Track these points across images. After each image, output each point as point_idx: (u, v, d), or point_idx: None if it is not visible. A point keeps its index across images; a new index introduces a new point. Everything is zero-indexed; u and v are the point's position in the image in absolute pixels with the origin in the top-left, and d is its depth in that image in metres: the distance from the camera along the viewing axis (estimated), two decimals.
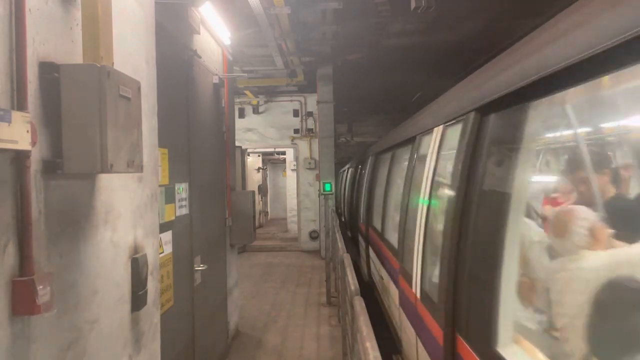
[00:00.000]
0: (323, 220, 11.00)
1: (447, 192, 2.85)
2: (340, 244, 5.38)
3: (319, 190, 11.23)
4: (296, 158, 13.45)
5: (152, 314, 2.62)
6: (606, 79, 1.59)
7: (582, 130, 2.02)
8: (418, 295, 3.41)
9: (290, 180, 15.65)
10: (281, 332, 6.30)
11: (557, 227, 2.04)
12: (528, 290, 2.15)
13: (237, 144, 7.13)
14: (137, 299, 2.35)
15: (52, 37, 1.74)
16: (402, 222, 4.29)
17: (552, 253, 2.05)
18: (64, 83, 1.72)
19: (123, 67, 2.06)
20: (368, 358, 1.88)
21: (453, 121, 3.01)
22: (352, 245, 10.61)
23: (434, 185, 3.32)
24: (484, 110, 2.46)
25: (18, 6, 1.54)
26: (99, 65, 1.76)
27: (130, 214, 2.34)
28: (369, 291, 6.76)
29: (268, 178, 22.18)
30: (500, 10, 7.10)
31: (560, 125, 2.12)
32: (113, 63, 1.92)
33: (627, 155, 1.92)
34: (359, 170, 11.69)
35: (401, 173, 5.14)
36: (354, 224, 11.03)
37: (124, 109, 1.89)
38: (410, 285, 3.69)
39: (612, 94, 1.77)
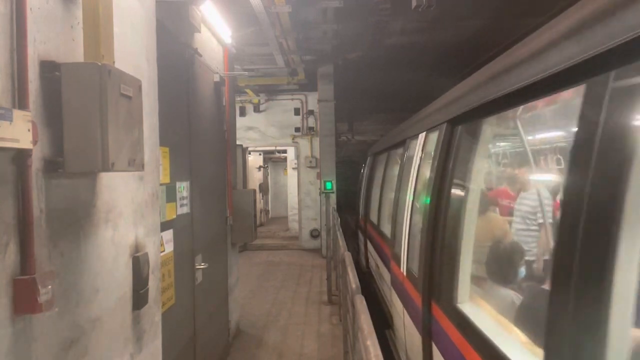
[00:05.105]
0: (324, 218, 11.00)
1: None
2: (341, 242, 5.38)
3: (320, 188, 11.22)
4: (297, 156, 13.44)
5: (153, 313, 2.62)
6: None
7: (520, 137, 2.80)
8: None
9: (291, 178, 15.64)
10: (282, 331, 6.31)
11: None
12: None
13: (238, 142, 7.13)
14: (139, 298, 2.36)
15: (53, 36, 1.74)
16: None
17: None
18: (65, 82, 1.72)
19: (124, 66, 2.06)
20: (369, 356, 1.89)
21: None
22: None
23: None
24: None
25: (19, 5, 1.53)
26: (100, 64, 1.76)
27: (131, 213, 2.34)
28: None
29: (269, 176, 22.15)
30: (501, 9, 7.09)
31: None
32: (114, 62, 1.92)
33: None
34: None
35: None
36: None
37: (125, 107, 1.89)
38: None
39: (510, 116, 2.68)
